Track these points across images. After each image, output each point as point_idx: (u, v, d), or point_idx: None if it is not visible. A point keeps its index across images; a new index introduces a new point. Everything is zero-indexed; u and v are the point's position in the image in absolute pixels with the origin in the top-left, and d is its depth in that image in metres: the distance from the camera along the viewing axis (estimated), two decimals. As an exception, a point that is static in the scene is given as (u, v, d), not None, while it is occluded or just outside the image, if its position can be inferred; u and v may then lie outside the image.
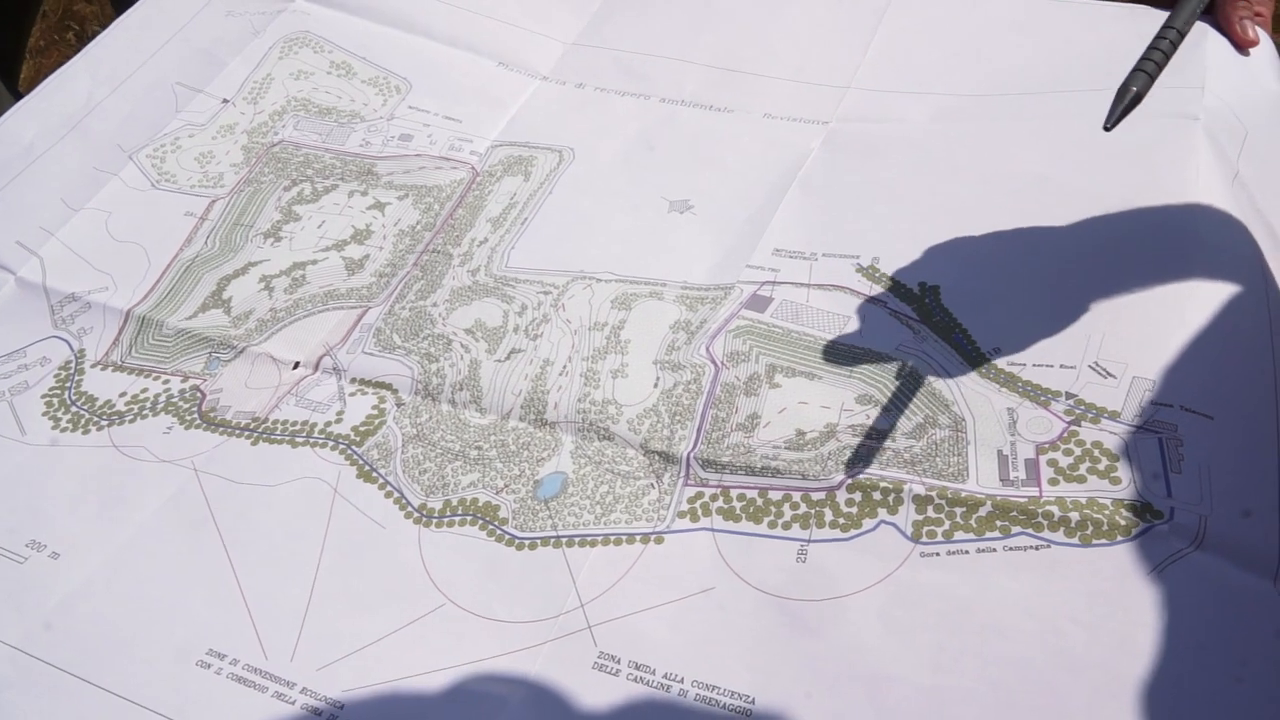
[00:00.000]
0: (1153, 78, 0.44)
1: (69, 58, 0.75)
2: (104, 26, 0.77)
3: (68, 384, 0.58)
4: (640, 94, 0.69)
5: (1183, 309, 0.51)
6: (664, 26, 0.73)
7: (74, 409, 0.57)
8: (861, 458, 0.49)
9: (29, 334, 0.61)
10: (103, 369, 0.59)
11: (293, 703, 0.46)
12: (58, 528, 0.53)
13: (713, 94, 0.68)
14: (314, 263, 0.62)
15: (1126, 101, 0.44)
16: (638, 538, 0.49)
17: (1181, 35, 0.45)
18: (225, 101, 0.71)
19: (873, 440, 0.49)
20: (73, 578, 0.51)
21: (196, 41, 0.74)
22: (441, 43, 0.73)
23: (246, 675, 0.47)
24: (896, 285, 0.55)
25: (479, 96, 0.70)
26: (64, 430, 0.56)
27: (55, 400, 0.58)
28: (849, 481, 0.48)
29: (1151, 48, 0.45)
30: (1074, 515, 0.45)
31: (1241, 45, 0.63)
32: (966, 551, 0.45)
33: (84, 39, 0.85)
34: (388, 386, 0.56)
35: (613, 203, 0.63)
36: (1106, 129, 0.44)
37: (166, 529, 0.52)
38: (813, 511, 0.48)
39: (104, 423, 0.56)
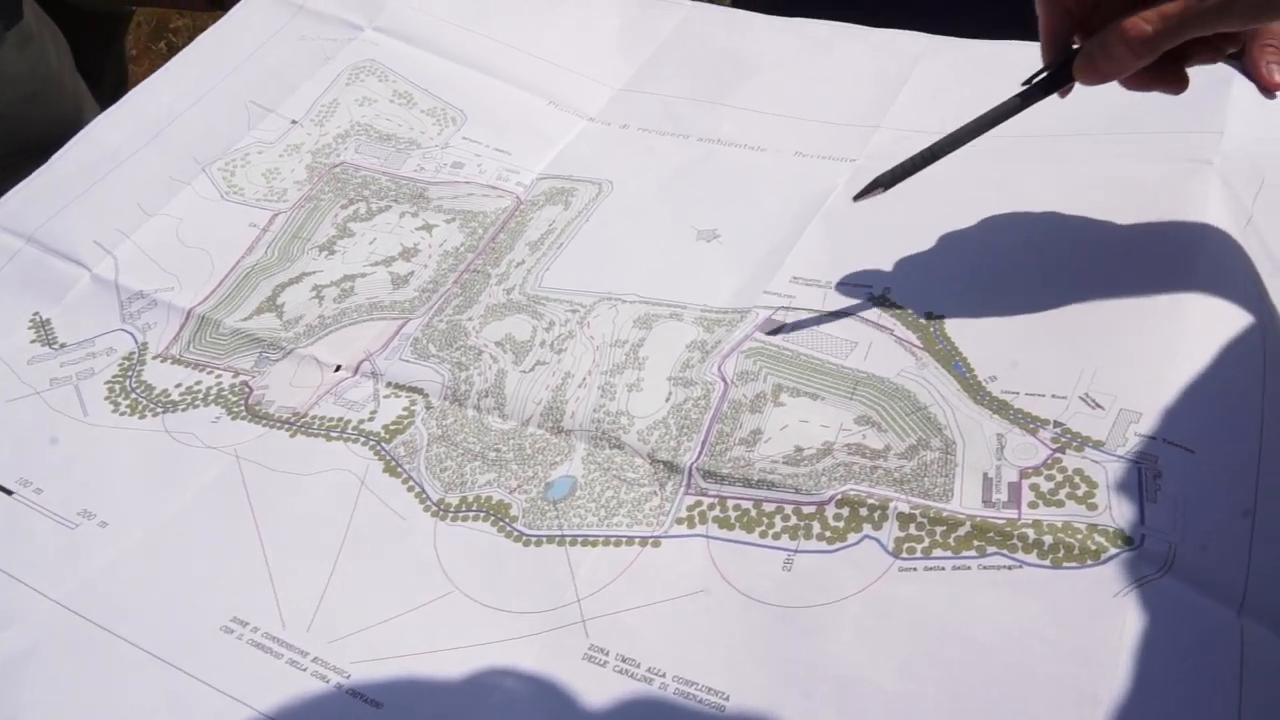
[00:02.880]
0: (898, 179, 0.55)
1: (159, 67, 0.81)
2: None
3: (129, 373, 0.63)
4: (680, 134, 0.72)
5: (1178, 347, 0.52)
6: (709, 75, 0.76)
7: (133, 396, 0.62)
8: (854, 475, 0.51)
9: (99, 326, 0.66)
10: (162, 361, 0.64)
11: (304, 670, 0.49)
12: (108, 500, 0.57)
13: (747, 134, 0.71)
14: (363, 276, 0.67)
15: (872, 188, 0.56)
16: (636, 540, 0.52)
17: (936, 156, 0.55)
18: (294, 122, 0.76)
19: (866, 459, 0.52)
20: (117, 545, 0.55)
21: (271, 63, 0.80)
22: (498, 80, 0.78)
23: (264, 642, 0.51)
24: (904, 314, 0.58)
25: (529, 132, 0.75)
26: (122, 414, 0.61)
27: (117, 387, 0.63)
28: (839, 496, 0.50)
29: (912, 158, 0.55)
30: (1048, 538, 0.47)
31: (1268, 88, 0.64)
32: (943, 568, 0.47)
33: (175, 50, 0.92)
34: (419, 391, 0.60)
35: (644, 231, 0.67)
36: (854, 199, 0.56)
37: (207, 508, 0.56)
38: (802, 523, 0.50)
39: (159, 410, 0.61)
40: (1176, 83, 0.54)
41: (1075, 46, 0.54)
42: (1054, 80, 0.54)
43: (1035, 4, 0.55)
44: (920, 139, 0.67)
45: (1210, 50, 0.54)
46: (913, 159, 0.55)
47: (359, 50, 0.81)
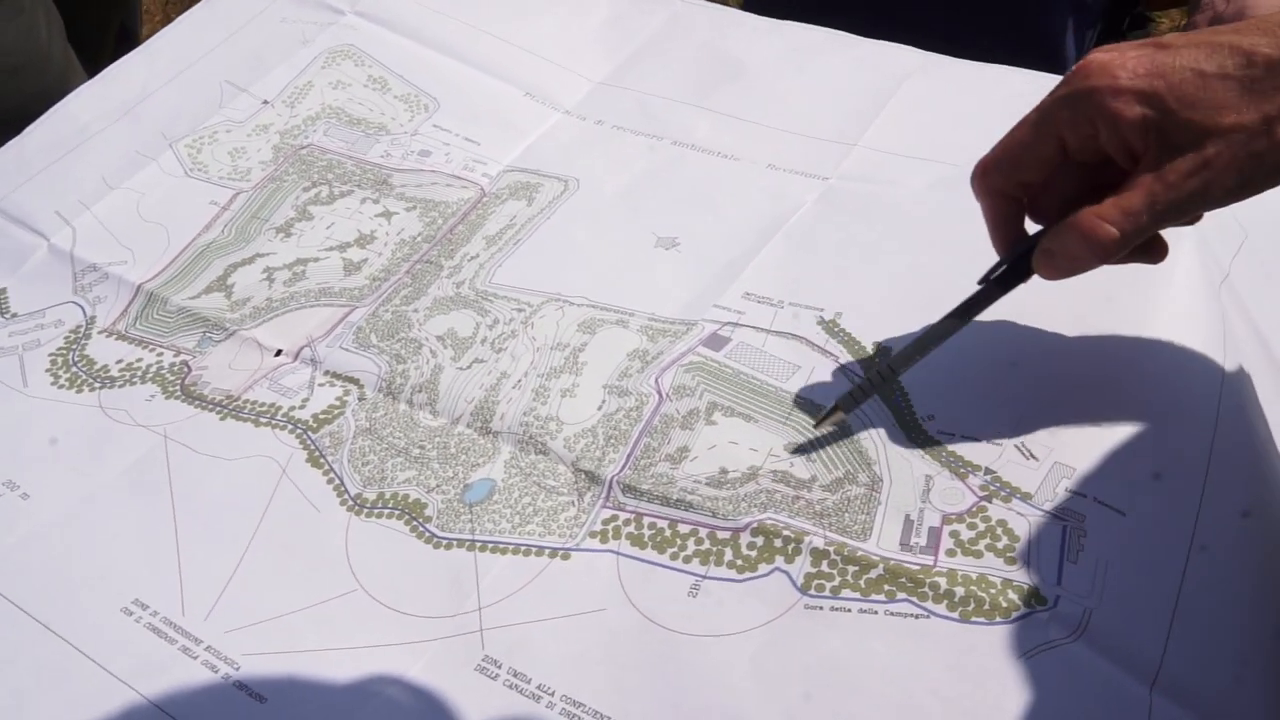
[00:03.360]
0: (858, 403, 0.51)
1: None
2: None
3: (74, 346, 0.63)
4: (653, 135, 0.71)
5: (1126, 404, 0.50)
6: (690, 75, 0.74)
7: (73, 369, 0.62)
8: (774, 503, 0.49)
9: (51, 297, 0.66)
10: (107, 336, 0.63)
11: (195, 658, 0.49)
12: (34, 473, 0.57)
13: (722, 140, 0.69)
14: (316, 260, 0.66)
15: (830, 413, 0.51)
16: (546, 551, 0.50)
17: (895, 373, 0.51)
18: (265, 103, 0.75)
19: (789, 488, 0.50)
20: (35, 518, 0.55)
21: (249, 44, 0.79)
22: (475, 68, 0.77)
23: (161, 627, 0.50)
24: (851, 342, 0.56)
25: (501, 123, 0.73)
26: (61, 388, 0.61)
27: (59, 359, 0.62)
28: (755, 525, 0.49)
29: (867, 379, 0.51)
30: (959, 590, 0.45)
31: None
32: (849, 610, 0.45)
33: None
34: (355, 381, 0.59)
35: (603, 234, 0.65)
36: (814, 427, 0.52)
37: (128, 486, 0.56)
38: (715, 549, 0.49)
39: (97, 385, 0.61)
40: (1155, 253, 0.47)
41: (1037, 230, 0.48)
42: (1014, 274, 0.49)
43: (974, 194, 0.49)
44: (893, 161, 0.66)
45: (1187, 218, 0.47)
46: (869, 379, 0.51)
47: (338, 34, 0.80)
